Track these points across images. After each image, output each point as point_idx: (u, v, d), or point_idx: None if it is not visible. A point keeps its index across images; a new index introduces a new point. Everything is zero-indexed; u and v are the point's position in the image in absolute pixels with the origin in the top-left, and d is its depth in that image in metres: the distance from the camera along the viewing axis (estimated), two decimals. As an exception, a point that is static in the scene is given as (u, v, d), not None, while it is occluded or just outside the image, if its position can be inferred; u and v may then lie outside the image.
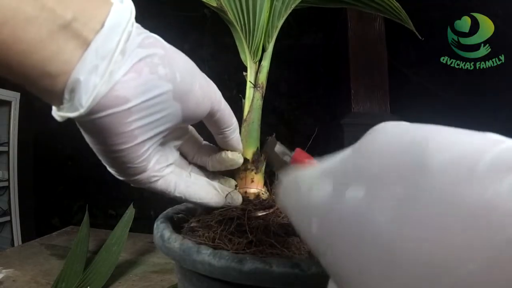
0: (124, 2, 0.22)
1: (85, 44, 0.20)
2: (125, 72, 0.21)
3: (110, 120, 0.22)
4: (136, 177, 0.26)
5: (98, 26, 0.21)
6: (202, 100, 0.27)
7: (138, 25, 0.24)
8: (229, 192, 0.34)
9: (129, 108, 0.22)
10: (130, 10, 0.22)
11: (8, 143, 1.78)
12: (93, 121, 0.22)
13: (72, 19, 0.20)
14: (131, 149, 0.24)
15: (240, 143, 0.34)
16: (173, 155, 0.31)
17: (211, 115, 0.29)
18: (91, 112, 0.21)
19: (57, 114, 0.22)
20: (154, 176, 0.27)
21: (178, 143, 0.32)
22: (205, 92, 0.27)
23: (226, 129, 0.31)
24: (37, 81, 0.20)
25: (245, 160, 0.37)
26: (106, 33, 0.21)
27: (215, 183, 0.34)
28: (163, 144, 0.29)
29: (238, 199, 0.34)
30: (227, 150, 0.34)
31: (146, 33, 0.24)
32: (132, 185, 0.28)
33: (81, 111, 0.21)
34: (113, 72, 0.21)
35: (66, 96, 0.21)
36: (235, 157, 0.34)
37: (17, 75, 0.20)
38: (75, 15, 0.20)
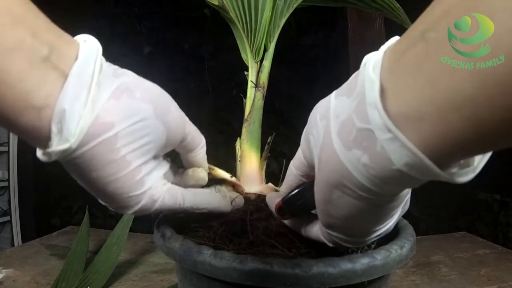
0: (88, 41, 0.23)
1: (64, 75, 0.21)
2: (106, 99, 0.22)
3: (100, 150, 0.22)
4: (140, 206, 0.26)
5: (73, 59, 0.21)
6: (180, 119, 0.28)
7: (108, 63, 0.24)
8: (234, 198, 0.34)
9: (115, 134, 0.22)
10: (96, 47, 0.23)
11: (8, 143, 1.77)
12: (83, 154, 0.22)
13: (48, 53, 0.20)
14: (126, 176, 0.24)
15: (205, 160, 0.33)
16: (164, 166, 0.30)
17: (184, 137, 0.29)
18: (81, 143, 0.21)
19: (45, 152, 0.21)
20: (157, 194, 0.27)
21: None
22: (180, 113, 0.28)
23: (198, 148, 0.31)
24: (21, 116, 0.20)
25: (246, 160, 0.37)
26: (82, 63, 0.21)
27: (212, 188, 0.34)
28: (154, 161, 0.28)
29: (241, 202, 0.34)
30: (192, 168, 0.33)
31: (115, 66, 0.25)
32: (136, 214, 0.27)
33: (72, 141, 0.21)
34: (95, 100, 0.22)
35: (54, 128, 0.21)
36: (195, 174, 0.32)
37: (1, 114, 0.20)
38: (50, 50, 0.20)
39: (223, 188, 0.35)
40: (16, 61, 0.19)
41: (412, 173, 0.17)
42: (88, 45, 0.23)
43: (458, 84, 0.14)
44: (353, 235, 0.24)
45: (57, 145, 0.21)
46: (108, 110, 0.22)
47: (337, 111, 0.21)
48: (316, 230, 0.27)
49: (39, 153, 0.22)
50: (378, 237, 0.25)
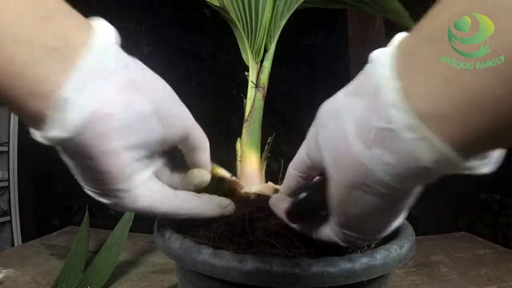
0: (104, 30, 0.23)
1: (73, 64, 0.21)
2: (110, 90, 0.22)
3: (95, 140, 0.22)
4: (118, 200, 0.25)
5: (84, 49, 0.21)
6: (180, 121, 0.27)
7: (123, 53, 0.24)
8: (228, 204, 0.33)
9: (113, 126, 0.22)
10: (110, 37, 0.23)
11: (8, 143, 1.77)
12: (78, 142, 0.22)
13: (59, 44, 0.20)
14: (116, 169, 0.23)
15: (209, 161, 0.33)
16: (156, 164, 0.29)
17: (186, 137, 0.29)
18: (79, 131, 0.21)
19: (44, 136, 0.22)
20: (139, 193, 0.26)
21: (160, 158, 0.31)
22: (181, 114, 0.28)
23: (202, 148, 0.31)
24: (27, 103, 0.20)
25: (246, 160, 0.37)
26: (93, 54, 0.21)
27: (203, 195, 0.32)
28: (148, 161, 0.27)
29: (232, 209, 0.33)
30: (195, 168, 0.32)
31: (128, 56, 0.24)
32: (114, 208, 0.26)
33: (70, 130, 0.21)
34: (100, 90, 0.22)
35: (54, 117, 0.21)
36: (200, 174, 0.32)
37: (5, 97, 0.20)
38: (61, 40, 0.20)
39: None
40: (25, 52, 0.19)
41: (439, 169, 0.17)
42: (103, 34, 0.22)
43: (479, 82, 0.15)
44: (369, 233, 0.24)
45: (55, 133, 0.21)
46: (110, 102, 0.22)
47: (349, 111, 0.21)
48: (327, 231, 0.26)
49: (34, 132, 0.22)
50: (389, 232, 0.25)
